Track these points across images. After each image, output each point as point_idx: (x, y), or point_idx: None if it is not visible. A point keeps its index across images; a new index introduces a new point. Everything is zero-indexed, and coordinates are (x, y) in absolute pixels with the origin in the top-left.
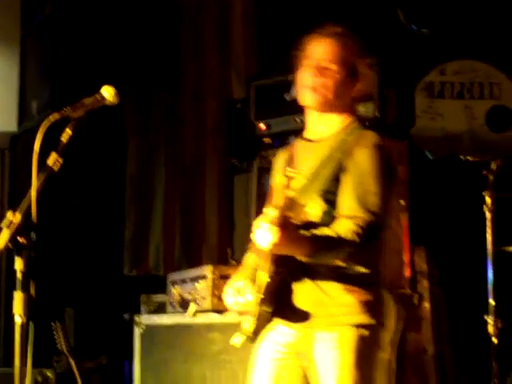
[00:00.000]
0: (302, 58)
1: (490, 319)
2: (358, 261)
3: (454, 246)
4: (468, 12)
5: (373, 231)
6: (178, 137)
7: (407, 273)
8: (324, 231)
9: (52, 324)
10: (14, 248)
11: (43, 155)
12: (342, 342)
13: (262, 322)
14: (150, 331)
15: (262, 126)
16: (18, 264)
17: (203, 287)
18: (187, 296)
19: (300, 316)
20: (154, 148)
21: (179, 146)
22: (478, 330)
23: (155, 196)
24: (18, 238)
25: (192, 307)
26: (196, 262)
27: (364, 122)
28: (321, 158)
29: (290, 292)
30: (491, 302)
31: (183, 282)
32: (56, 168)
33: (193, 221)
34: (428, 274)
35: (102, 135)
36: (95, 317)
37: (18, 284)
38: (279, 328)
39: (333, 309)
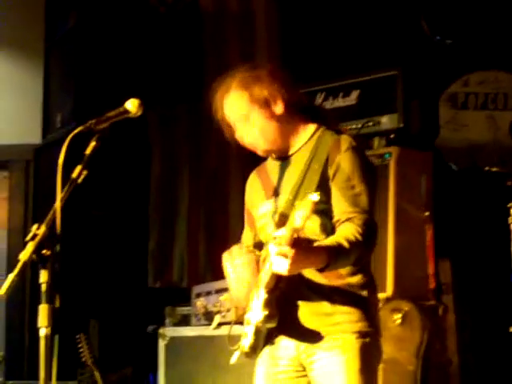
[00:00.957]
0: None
1: None
2: (359, 267)
3: (478, 257)
4: (491, 22)
5: (372, 228)
6: (202, 148)
7: (432, 284)
8: (332, 239)
9: (76, 336)
10: (38, 260)
11: (68, 167)
12: (347, 349)
13: (260, 339)
14: (175, 343)
15: None
16: (43, 276)
17: (228, 299)
18: (212, 308)
19: (304, 329)
20: (178, 159)
21: (203, 158)
22: (503, 341)
23: (179, 207)
24: (43, 250)
25: (216, 319)
26: (221, 274)
27: (333, 125)
28: (297, 173)
29: (291, 306)
30: None
31: (208, 294)
32: (80, 180)
33: (217, 232)
34: (453, 286)
35: (126, 146)
36: (120, 329)
37: (43, 296)
38: (282, 342)
39: (336, 317)
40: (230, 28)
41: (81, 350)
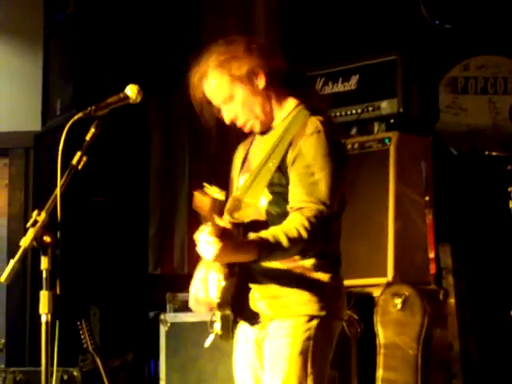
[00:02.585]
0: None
1: None
2: (313, 251)
3: (479, 241)
4: (491, 7)
5: (322, 220)
6: (202, 133)
7: (432, 269)
8: (272, 231)
9: (78, 323)
10: (39, 247)
11: (68, 154)
12: (292, 333)
13: (226, 323)
14: (176, 329)
15: None
16: (44, 263)
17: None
18: None
19: (255, 313)
20: (178, 145)
21: (203, 143)
22: (504, 326)
23: (180, 192)
24: (44, 237)
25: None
26: None
27: (313, 107)
28: (264, 152)
29: (246, 290)
30: None
31: None
32: (80, 167)
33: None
34: (453, 270)
35: (125, 132)
36: (121, 315)
37: (44, 283)
38: (243, 327)
39: (284, 300)
40: (230, 14)
41: (82, 337)
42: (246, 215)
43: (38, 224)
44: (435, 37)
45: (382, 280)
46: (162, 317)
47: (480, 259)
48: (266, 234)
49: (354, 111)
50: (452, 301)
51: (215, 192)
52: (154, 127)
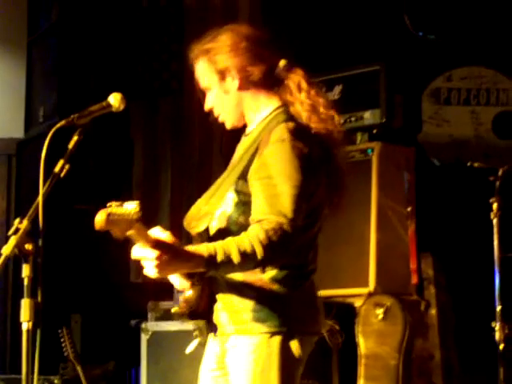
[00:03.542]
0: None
1: (496, 325)
2: (272, 265)
3: (460, 252)
4: (474, 18)
5: (283, 235)
6: (184, 141)
7: (414, 279)
8: (224, 244)
9: (59, 331)
10: (21, 255)
11: (50, 162)
12: (254, 350)
13: (201, 332)
14: (157, 338)
15: None
16: (25, 271)
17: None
18: None
19: (218, 325)
20: (160, 153)
21: (185, 152)
22: (485, 336)
23: (161, 201)
24: (25, 244)
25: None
26: None
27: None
28: (237, 156)
29: (213, 301)
30: (498, 308)
31: None
32: (63, 174)
33: None
34: (435, 281)
35: (108, 140)
36: (102, 323)
37: (25, 291)
38: (210, 339)
39: (246, 316)
40: (213, 23)
41: (63, 345)
42: (204, 224)
43: (20, 232)
44: (419, 47)
45: (364, 290)
46: (143, 325)
47: (461, 270)
48: (216, 245)
49: None
50: (433, 311)
51: (127, 205)
52: (136, 135)
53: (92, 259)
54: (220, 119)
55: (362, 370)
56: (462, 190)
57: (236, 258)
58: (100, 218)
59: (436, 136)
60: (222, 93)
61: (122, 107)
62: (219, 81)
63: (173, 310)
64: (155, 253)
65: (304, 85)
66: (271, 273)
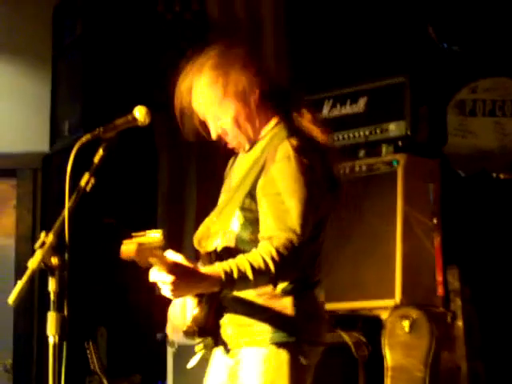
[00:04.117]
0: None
1: None
2: (284, 281)
3: (487, 264)
4: (499, 29)
5: (293, 250)
6: (210, 153)
7: (440, 292)
8: (238, 261)
9: (85, 344)
10: (47, 268)
11: (76, 175)
12: (264, 360)
13: (207, 348)
14: (183, 351)
15: None
16: (52, 284)
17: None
18: None
19: (228, 340)
20: (186, 164)
21: (211, 163)
22: None
23: (187, 214)
24: (51, 258)
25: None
26: None
27: (290, 127)
28: (241, 174)
29: (221, 316)
30: None
31: None
32: (88, 188)
33: None
34: (461, 293)
35: (133, 153)
36: (128, 336)
37: (52, 304)
38: (218, 352)
39: (253, 328)
40: (238, 36)
41: (89, 358)
42: (213, 243)
43: (46, 245)
44: (443, 59)
45: (390, 302)
46: (169, 338)
47: (488, 282)
48: (231, 264)
49: (362, 133)
50: (460, 323)
51: (150, 234)
52: (161, 148)
53: (117, 272)
54: (235, 144)
55: (388, 383)
56: (488, 201)
57: (251, 275)
58: (129, 249)
59: (461, 147)
60: (240, 113)
61: (147, 121)
62: (237, 102)
63: (183, 329)
64: (171, 277)
65: (301, 102)
66: (281, 286)
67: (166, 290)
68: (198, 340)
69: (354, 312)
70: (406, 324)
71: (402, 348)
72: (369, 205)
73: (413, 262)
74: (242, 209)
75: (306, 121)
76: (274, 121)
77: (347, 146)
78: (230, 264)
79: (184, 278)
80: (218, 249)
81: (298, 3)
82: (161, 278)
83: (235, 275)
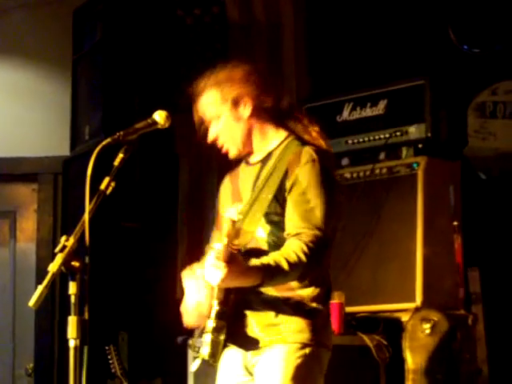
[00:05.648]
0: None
1: None
2: (310, 276)
3: (507, 266)
4: None
5: (320, 246)
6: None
7: (461, 294)
8: (273, 257)
9: (106, 348)
10: (67, 272)
11: (96, 179)
12: (285, 359)
13: (218, 347)
14: None
15: None
16: (72, 288)
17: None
18: None
19: (250, 339)
20: (206, 168)
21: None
22: None
23: (208, 218)
24: (72, 262)
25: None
26: None
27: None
28: (261, 180)
29: (242, 316)
30: None
31: None
32: (108, 192)
33: None
34: (482, 295)
35: (154, 156)
36: (149, 340)
37: (72, 308)
38: (230, 351)
39: (282, 327)
40: (258, 40)
41: (110, 362)
42: (245, 242)
43: (67, 249)
44: (463, 61)
45: (411, 305)
46: (190, 342)
47: (509, 284)
48: (267, 259)
49: (382, 136)
50: (481, 326)
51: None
52: (182, 152)
53: (138, 276)
54: (224, 148)
55: None
56: (509, 203)
57: (287, 268)
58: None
59: (482, 150)
60: (232, 120)
61: (167, 125)
62: (231, 109)
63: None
64: (226, 268)
65: (305, 116)
66: (308, 290)
67: (214, 276)
68: (209, 339)
69: (375, 315)
70: (426, 326)
71: (422, 351)
72: (389, 207)
73: (433, 264)
74: (268, 214)
75: (313, 132)
76: (282, 134)
77: (367, 149)
78: (268, 259)
79: (237, 268)
80: (246, 248)
81: (318, 6)
82: (217, 264)
83: (274, 269)
